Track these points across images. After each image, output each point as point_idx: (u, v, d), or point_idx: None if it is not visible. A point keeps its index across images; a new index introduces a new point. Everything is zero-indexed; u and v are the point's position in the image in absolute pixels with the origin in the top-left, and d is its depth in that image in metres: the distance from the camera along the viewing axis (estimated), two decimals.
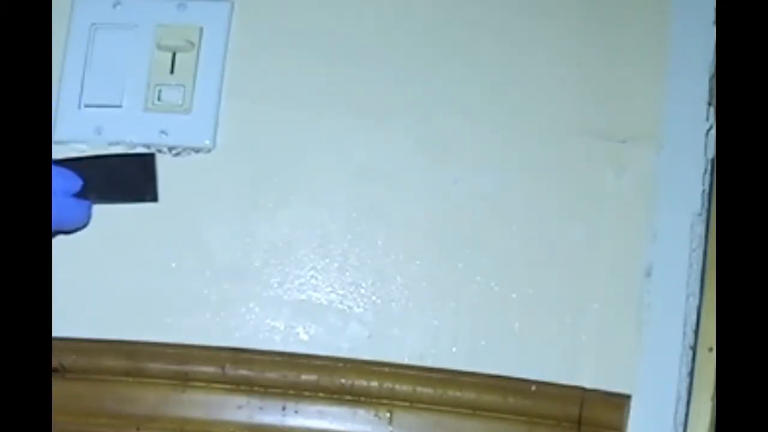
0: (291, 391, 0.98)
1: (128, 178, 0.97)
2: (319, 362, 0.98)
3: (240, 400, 0.98)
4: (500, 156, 1.01)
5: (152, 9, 1.04)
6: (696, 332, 0.98)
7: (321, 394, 0.98)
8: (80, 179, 0.94)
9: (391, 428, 0.97)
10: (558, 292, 0.99)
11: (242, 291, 1.00)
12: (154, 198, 0.98)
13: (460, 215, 1.01)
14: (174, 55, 1.03)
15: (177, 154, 1.02)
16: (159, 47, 1.03)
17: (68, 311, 0.97)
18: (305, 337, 0.99)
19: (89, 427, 0.98)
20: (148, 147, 1.02)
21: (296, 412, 0.98)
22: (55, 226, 0.93)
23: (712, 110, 1.00)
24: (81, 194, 0.94)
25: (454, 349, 0.99)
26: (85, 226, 0.97)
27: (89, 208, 0.96)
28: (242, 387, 0.98)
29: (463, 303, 0.99)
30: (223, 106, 1.02)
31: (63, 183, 0.93)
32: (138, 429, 0.97)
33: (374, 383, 0.97)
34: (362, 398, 0.98)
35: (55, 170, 0.92)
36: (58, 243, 0.96)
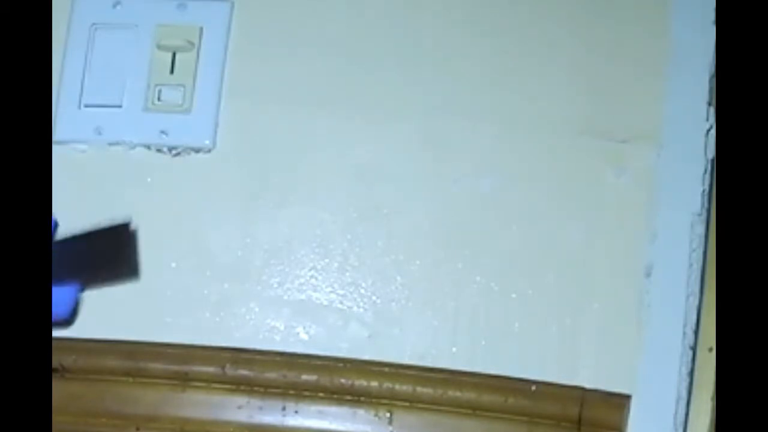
0: (291, 391, 0.98)
1: (100, 256, 0.86)
2: (319, 362, 0.98)
3: (240, 400, 0.98)
4: (500, 156, 1.01)
5: (152, 9, 1.04)
6: (696, 332, 0.98)
7: (321, 394, 0.98)
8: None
9: (391, 428, 0.97)
10: (558, 292, 0.99)
11: (242, 291, 1.00)
12: (133, 273, 0.88)
13: (460, 215, 1.01)
14: (174, 55, 1.03)
15: (177, 154, 1.02)
16: (159, 47, 1.03)
17: None
18: (305, 337, 0.99)
19: (89, 427, 0.98)
20: (149, 147, 1.02)
21: (296, 412, 0.98)
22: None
23: (712, 110, 1.00)
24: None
25: (454, 349, 0.99)
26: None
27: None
28: (242, 387, 0.98)
29: (463, 303, 0.99)
30: (223, 106, 1.02)
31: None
32: (138, 429, 0.97)
33: (374, 383, 0.97)
34: (362, 398, 0.98)
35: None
36: None
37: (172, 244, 1.01)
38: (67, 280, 0.85)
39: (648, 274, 0.98)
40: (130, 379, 0.98)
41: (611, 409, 0.97)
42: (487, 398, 0.97)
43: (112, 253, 0.86)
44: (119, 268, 0.88)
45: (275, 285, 1.00)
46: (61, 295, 0.86)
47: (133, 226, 0.86)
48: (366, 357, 0.98)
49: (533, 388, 0.97)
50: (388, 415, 0.97)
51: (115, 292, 1.00)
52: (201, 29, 1.03)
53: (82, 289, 0.88)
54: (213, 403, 0.98)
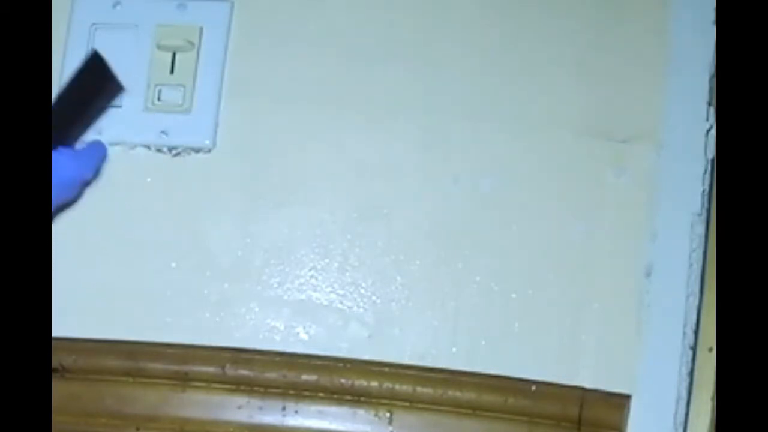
0: (291, 391, 0.98)
1: (87, 91, 0.93)
2: (319, 362, 0.98)
3: (240, 400, 0.98)
4: (500, 156, 1.01)
5: (152, 9, 1.04)
6: (696, 332, 0.98)
7: (321, 394, 0.98)
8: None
9: (391, 428, 0.97)
10: (558, 292, 0.99)
11: (242, 291, 1.00)
12: (120, 87, 0.95)
13: (460, 215, 1.01)
14: (174, 55, 1.03)
15: (177, 154, 1.02)
16: (159, 47, 1.03)
17: (68, 311, 0.97)
18: (305, 337, 0.99)
19: (89, 427, 0.98)
20: (149, 147, 1.02)
21: (296, 412, 0.98)
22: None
23: (712, 110, 1.00)
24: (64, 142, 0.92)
25: (454, 349, 0.99)
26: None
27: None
28: (242, 387, 0.98)
29: (463, 303, 0.99)
30: (223, 106, 1.02)
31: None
32: (138, 429, 0.97)
33: (374, 383, 0.97)
34: (362, 398, 0.98)
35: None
36: (59, 243, 0.96)
37: (172, 244, 1.01)
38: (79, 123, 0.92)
39: (648, 274, 0.98)
40: (130, 379, 0.98)
41: (611, 409, 0.97)
42: (487, 398, 0.97)
43: (99, 81, 0.93)
44: (111, 88, 0.94)
45: (275, 285, 1.00)
46: (82, 155, 0.94)
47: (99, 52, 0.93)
48: (366, 357, 0.98)
49: (533, 388, 0.97)
50: (388, 415, 0.97)
51: (115, 292, 1.00)
52: (201, 29, 1.03)
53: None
54: (213, 403, 0.98)
